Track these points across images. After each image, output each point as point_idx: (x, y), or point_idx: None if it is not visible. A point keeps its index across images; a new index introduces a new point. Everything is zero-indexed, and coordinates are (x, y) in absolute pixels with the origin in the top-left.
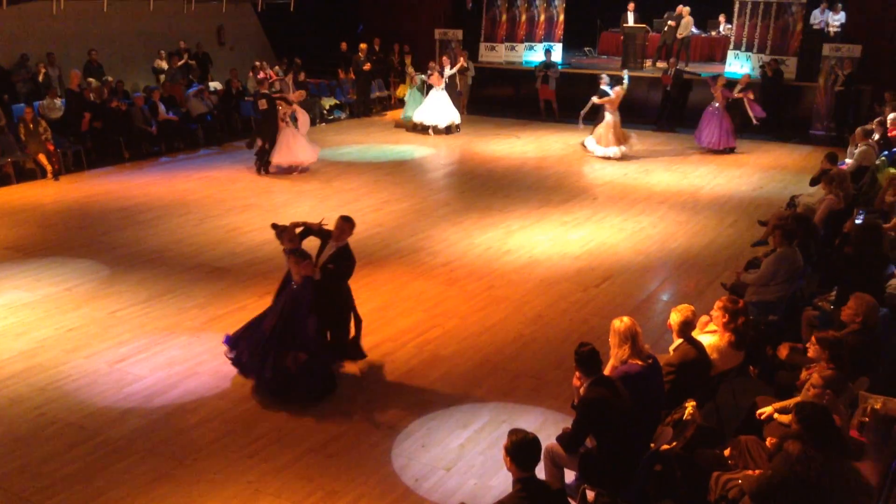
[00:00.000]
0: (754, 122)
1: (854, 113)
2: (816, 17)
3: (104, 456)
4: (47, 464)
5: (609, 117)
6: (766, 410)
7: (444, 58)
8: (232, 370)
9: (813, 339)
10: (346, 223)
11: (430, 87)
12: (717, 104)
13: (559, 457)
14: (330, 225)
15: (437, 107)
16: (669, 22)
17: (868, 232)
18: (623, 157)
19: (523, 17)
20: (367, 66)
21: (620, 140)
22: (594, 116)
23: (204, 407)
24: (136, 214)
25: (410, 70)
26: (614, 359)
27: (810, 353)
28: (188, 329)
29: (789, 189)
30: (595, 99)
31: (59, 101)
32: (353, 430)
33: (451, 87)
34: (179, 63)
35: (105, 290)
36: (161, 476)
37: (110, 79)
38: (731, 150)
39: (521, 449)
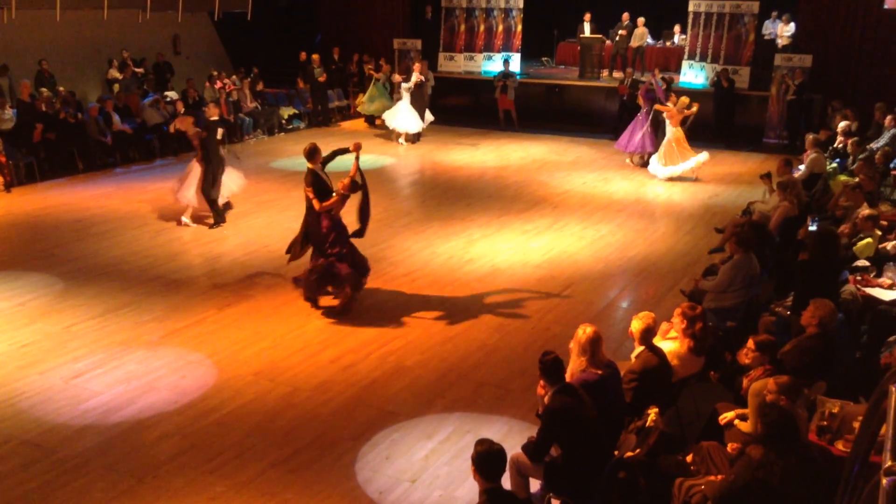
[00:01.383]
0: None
1: (806, 121)
2: (768, 27)
3: (61, 474)
4: (1, 483)
5: (670, 131)
6: (728, 416)
7: (395, 75)
8: (191, 385)
9: (750, 342)
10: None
11: (391, 84)
12: (643, 110)
13: (524, 466)
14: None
15: (407, 113)
16: (620, 31)
17: (824, 238)
18: (692, 177)
19: (482, 28)
20: (322, 78)
21: (686, 155)
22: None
23: (163, 422)
24: (91, 227)
25: (386, 69)
26: (573, 365)
27: (747, 359)
28: (145, 343)
29: (744, 197)
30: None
31: (10, 112)
32: (316, 443)
33: (415, 99)
34: (129, 72)
35: (59, 305)
36: (120, 494)
37: (61, 89)
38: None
39: (486, 460)
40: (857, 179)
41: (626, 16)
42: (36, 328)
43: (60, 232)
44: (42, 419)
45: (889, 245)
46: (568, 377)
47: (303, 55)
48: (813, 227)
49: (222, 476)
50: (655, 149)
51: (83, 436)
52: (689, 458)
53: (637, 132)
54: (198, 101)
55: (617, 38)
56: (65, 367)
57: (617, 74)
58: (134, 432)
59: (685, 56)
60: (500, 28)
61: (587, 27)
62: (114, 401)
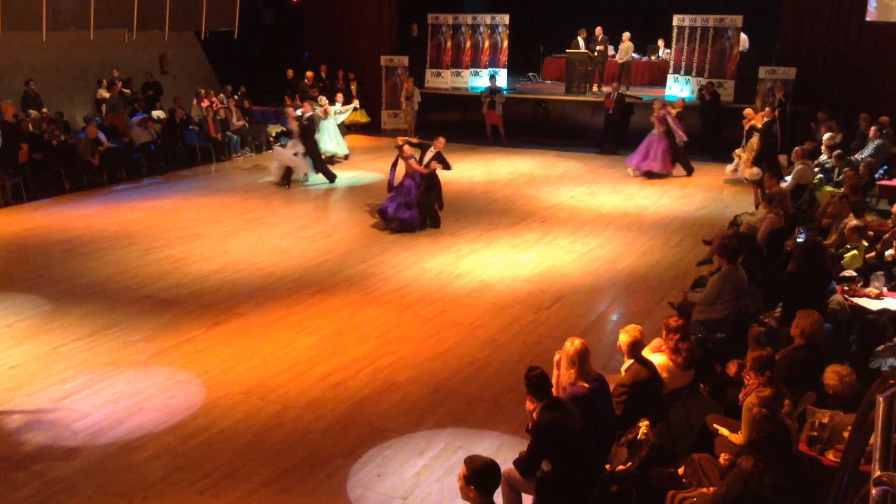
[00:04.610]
0: (682, 140)
1: (790, 133)
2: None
3: (50, 497)
4: None
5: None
6: (723, 431)
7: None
8: (180, 404)
9: (748, 362)
10: (441, 137)
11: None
12: (655, 130)
13: (516, 481)
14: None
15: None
16: (598, 47)
17: (811, 249)
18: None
19: (468, 44)
20: (314, 93)
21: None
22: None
23: (153, 443)
24: (78, 247)
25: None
26: (562, 379)
27: (734, 369)
28: (134, 363)
29: (731, 208)
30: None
31: None
32: (307, 461)
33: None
34: (117, 91)
35: (47, 326)
36: None
37: (46, 111)
38: (657, 175)
39: (484, 475)
40: (842, 190)
41: (599, 30)
42: (23, 349)
43: (47, 252)
44: (31, 441)
45: (886, 253)
46: (557, 390)
47: (290, 72)
48: (801, 238)
49: (213, 496)
50: (664, 169)
51: (72, 457)
52: (680, 471)
53: (643, 151)
54: (185, 119)
55: (596, 53)
56: (53, 388)
57: (604, 88)
58: (123, 453)
59: (670, 70)
60: (487, 44)
61: (581, 43)
62: (103, 422)
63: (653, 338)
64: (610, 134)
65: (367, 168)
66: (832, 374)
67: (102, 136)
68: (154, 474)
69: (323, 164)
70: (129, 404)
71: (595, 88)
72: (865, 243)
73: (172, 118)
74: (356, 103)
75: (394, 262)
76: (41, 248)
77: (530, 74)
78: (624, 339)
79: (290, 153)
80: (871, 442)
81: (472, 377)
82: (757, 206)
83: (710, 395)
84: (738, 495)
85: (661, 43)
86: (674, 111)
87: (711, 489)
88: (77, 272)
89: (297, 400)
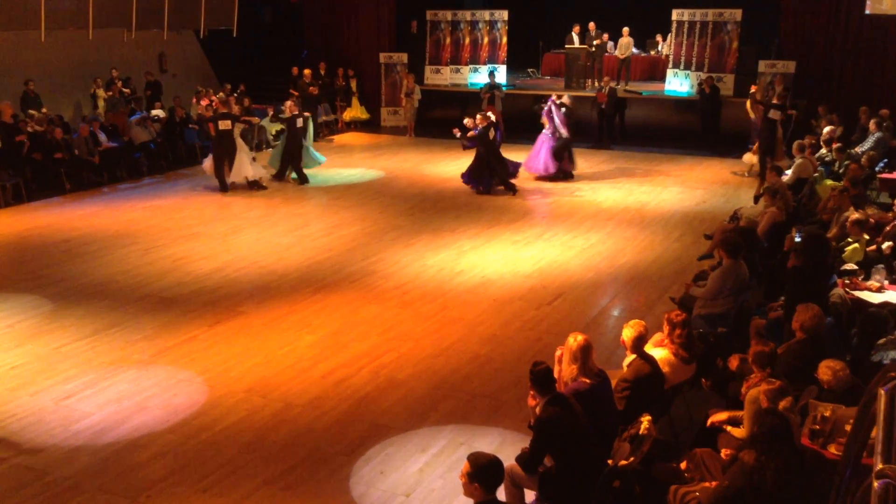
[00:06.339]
0: (564, 135)
1: (791, 127)
2: None
3: (54, 496)
4: None
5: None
6: (721, 417)
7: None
8: (182, 403)
9: (750, 358)
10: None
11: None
12: (546, 129)
13: (519, 477)
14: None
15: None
16: (594, 41)
17: (815, 243)
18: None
19: (467, 40)
20: (314, 90)
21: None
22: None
23: (155, 442)
24: (80, 246)
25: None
26: (564, 374)
27: (736, 362)
28: (136, 362)
29: (731, 202)
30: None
31: None
32: (310, 459)
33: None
34: (113, 92)
35: (49, 326)
36: None
37: (45, 110)
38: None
39: (488, 471)
40: (843, 183)
41: (592, 25)
42: (25, 350)
43: (48, 252)
44: (33, 441)
45: (884, 245)
46: (558, 386)
47: (295, 70)
48: (798, 238)
49: (216, 495)
50: (557, 170)
51: (75, 457)
52: (683, 466)
53: (541, 152)
54: (185, 118)
55: (593, 49)
56: (55, 388)
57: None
58: (126, 452)
59: (670, 64)
60: (486, 40)
61: (576, 38)
62: (105, 421)
63: (654, 332)
64: (605, 128)
65: (367, 166)
66: (825, 370)
67: (103, 137)
68: (157, 473)
69: (221, 173)
70: (131, 403)
71: (597, 84)
72: (866, 237)
73: (172, 117)
74: (256, 119)
75: (395, 260)
76: (42, 248)
77: (529, 70)
78: (628, 333)
79: (209, 163)
80: (874, 435)
81: (474, 374)
82: (756, 200)
83: (712, 389)
84: (740, 489)
85: (659, 38)
86: (558, 100)
87: (714, 483)
88: (78, 272)
89: (299, 398)
